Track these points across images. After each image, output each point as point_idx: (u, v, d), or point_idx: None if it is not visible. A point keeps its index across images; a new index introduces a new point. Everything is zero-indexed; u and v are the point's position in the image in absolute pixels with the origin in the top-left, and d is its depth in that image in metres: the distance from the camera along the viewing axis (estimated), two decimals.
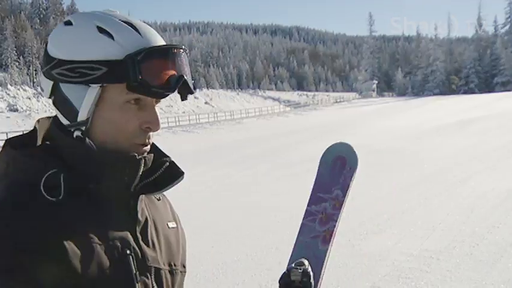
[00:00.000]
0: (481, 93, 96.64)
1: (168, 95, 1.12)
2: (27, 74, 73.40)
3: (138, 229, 1.17)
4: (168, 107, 71.23)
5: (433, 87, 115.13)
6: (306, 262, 1.35)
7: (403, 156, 17.92)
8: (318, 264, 1.38)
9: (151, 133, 1.16)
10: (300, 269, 1.32)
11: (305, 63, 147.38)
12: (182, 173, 1.24)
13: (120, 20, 1.12)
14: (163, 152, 1.24)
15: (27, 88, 62.58)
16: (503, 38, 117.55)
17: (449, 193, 10.71)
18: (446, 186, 11.51)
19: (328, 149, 1.56)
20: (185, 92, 1.16)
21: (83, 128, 1.12)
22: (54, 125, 1.17)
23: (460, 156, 16.83)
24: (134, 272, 1.12)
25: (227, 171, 15.31)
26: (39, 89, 58.46)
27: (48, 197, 1.06)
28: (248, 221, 8.92)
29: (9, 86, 61.06)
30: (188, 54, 1.18)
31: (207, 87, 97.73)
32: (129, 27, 1.11)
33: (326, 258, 1.41)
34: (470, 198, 10.05)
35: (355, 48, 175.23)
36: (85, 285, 1.04)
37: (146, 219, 1.20)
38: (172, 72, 1.11)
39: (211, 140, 31.00)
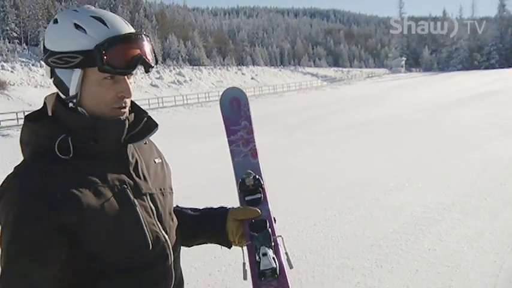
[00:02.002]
0: (501, 68, 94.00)
1: (132, 71, 1.31)
2: None
3: (131, 168, 1.38)
4: (219, 82, 71.01)
5: (456, 63, 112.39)
6: (251, 171, 1.64)
7: (425, 126, 17.72)
8: (257, 172, 1.66)
9: (127, 99, 1.34)
10: (250, 176, 1.62)
11: (341, 43, 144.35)
12: (157, 125, 1.45)
13: (92, 16, 1.29)
14: (142, 110, 1.44)
15: None
16: None
17: (465, 156, 10.69)
18: (463, 150, 11.47)
19: (223, 93, 1.79)
20: (147, 66, 1.33)
21: (74, 101, 1.31)
22: (57, 100, 1.36)
23: (478, 125, 16.62)
24: (132, 199, 1.34)
25: (272, 138, 15.42)
26: None
27: (62, 156, 1.28)
28: (292, 179, 9.11)
29: None
30: (148, 38, 1.35)
31: (253, 65, 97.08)
32: (98, 21, 1.28)
33: (260, 167, 1.69)
34: (483, 160, 10.04)
35: (386, 28, 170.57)
36: (101, 215, 1.28)
37: (136, 160, 1.42)
38: (134, 52, 1.29)
39: (257, 111, 30.61)
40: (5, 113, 30.72)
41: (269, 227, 1.54)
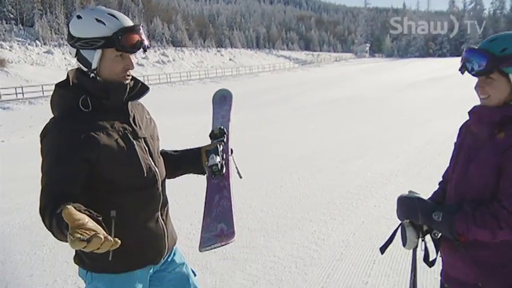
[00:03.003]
0: (451, 56, 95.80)
1: (137, 51, 1.69)
2: None
3: (131, 119, 1.77)
4: (200, 62, 70.19)
5: (414, 51, 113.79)
6: (220, 126, 2.12)
7: (384, 104, 17.99)
8: (225, 126, 2.14)
9: (130, 70, 1.73)
10: (217, 127, 2.11)
11: (311, 29, 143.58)
12: (148, 88, 1.85)
13: (107, 13, 1.66)
14: (138, 79, 1.82)
15: None
16: (470, 13, 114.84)
17: (415, 131, 10.99)
18: (413, 126, 11.77)
19: (215, 92, 2.33)
20: (144, 48, 1.71)
21: (95, 72, 1.68)
22: (79, 72, 1.72)
23: (428, 105, 16.90)
24: (132, 140, 1.73)
25: (249, 113, 15.58)
26: None
27: (84, 110, 1.66)
28: (265, 149, 9.36)
29: None
30: (145, 29, 1.80)
31: (231, 47, 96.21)
32: (112, 17, 1.65)
33: (229, 126, 2.15)
34: (429, 135, 10.36)
35: (353, 17, 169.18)
36: (111, 150, 1.66)
37: (134, 114, 1.80)
38: (137, 38, 1.67)
39: (234, 89, 30.67)
40: (5, 88, 30.36)
41: (219, 146, 2.03)
